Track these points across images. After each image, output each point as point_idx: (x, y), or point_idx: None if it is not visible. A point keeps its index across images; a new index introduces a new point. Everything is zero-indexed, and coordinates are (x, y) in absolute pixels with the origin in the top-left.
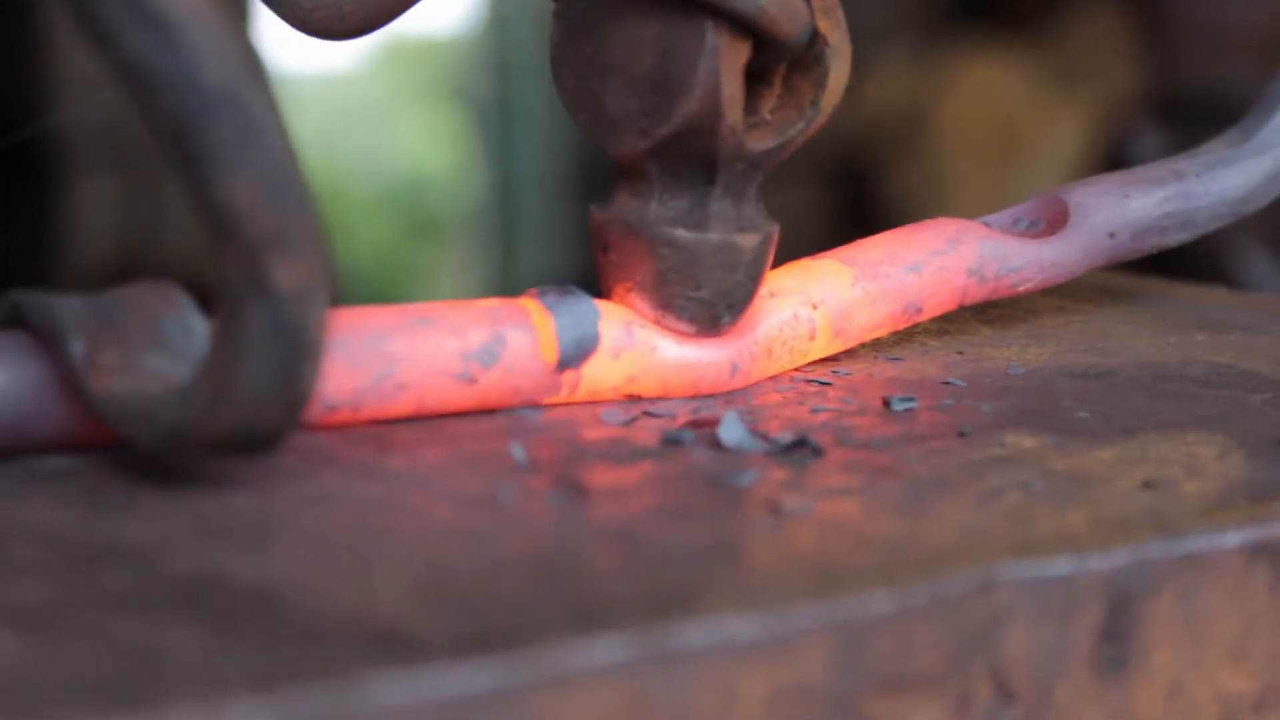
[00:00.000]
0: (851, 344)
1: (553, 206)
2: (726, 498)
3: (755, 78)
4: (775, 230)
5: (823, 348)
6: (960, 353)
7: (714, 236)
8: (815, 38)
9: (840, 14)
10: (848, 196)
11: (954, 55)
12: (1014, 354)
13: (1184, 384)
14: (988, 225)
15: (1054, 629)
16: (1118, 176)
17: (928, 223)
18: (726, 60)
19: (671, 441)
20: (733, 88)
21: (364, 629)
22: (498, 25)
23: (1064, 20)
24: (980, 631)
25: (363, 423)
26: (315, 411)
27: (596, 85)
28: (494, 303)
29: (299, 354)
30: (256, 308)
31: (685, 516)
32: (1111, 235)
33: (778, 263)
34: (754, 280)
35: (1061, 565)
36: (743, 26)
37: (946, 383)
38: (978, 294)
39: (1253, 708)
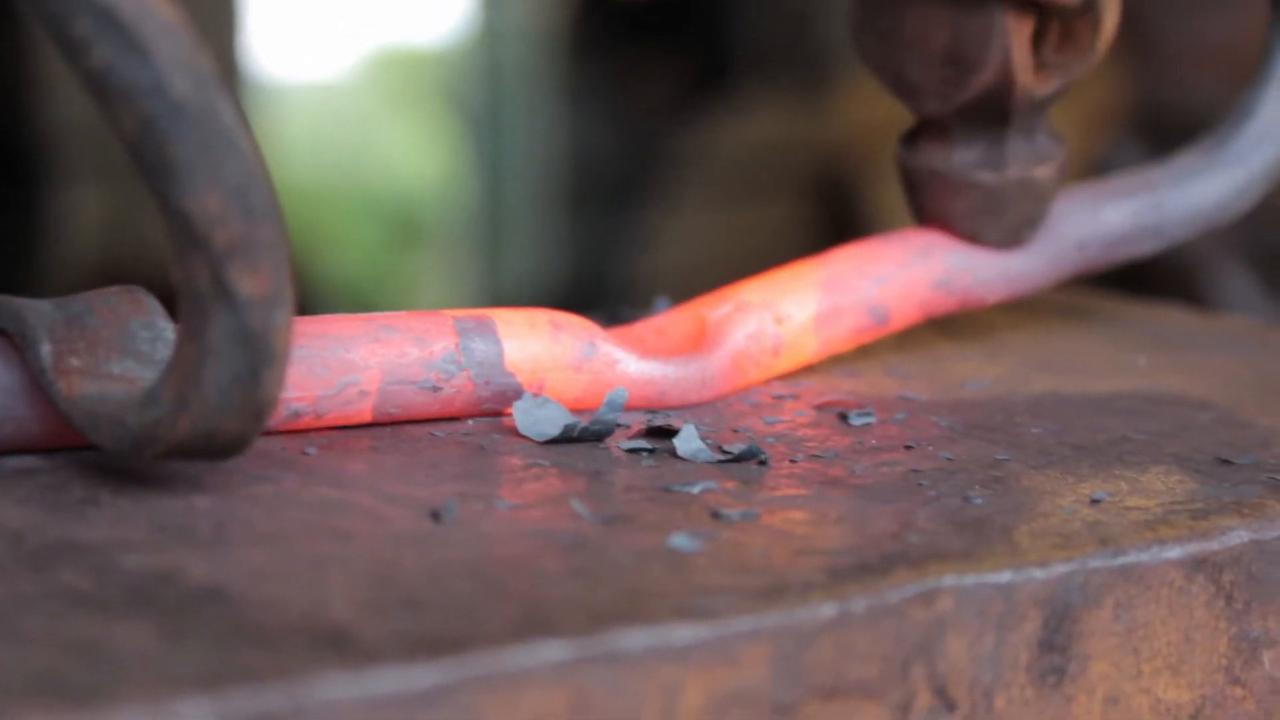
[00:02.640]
0: (818, 358)
1: (541, 216)
2: (676, 506)
3: (1036, 28)
4: (1064, 150)
5: (788, 362)
6: (918, 368)
7: (1013, 174)
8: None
9: None
10: (829, 210)
11: None
12: (971, 370)
13: (1136, 401)
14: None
15: (994, 638)
16: (1088, 188)
17: (896, 234)
18: (1016, 36)
19: (628, 451)
20: (1023, 57)
21: (312, 629)
22: (488, 36)
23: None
24: (921, 640)
25: (326, 428)
26: (279, 417)
27: (896, 56)
28: (460, 313)
29: (263, 361)
30: (221, 314)
31: (633, 524)
32: (1080, 246)
33: (760, 268)
34: (1050, 199)
35: (1001, 576)
36: (1028, 3)
37: (902, 397)
38: (945, 306)
39: (1190, 718)
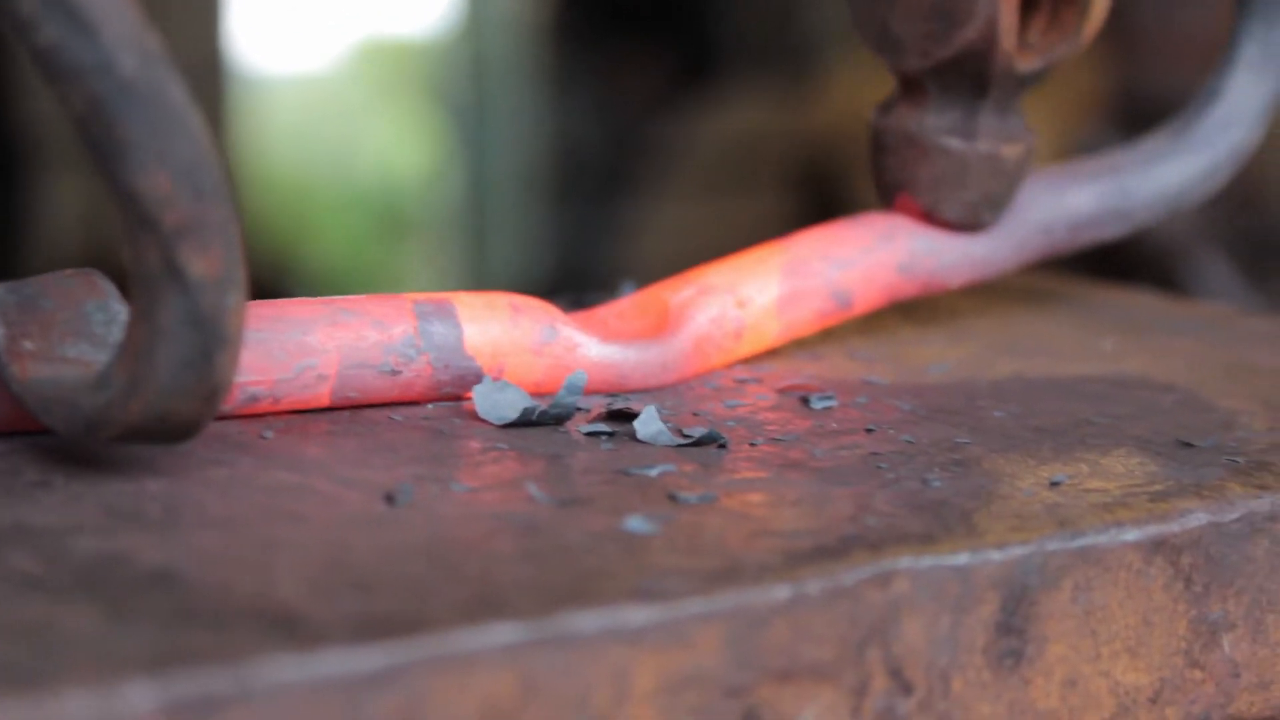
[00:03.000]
0: (780, 341)
1: (525, 207)
2: (633, 489)
3: (1025, 4)
4: (1034, 140)
5: (750, 346)
6: (882, 351)
7: (983, 146)
8: None
9: None
10: (812, 201)
11: None
12: (935, 353)
13: (1099, 385)
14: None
15: (951, 621)
16: (1053, 171)
17: (859, 218)
18: None
19: (588, 434)
20: (1010, 18)
21: (261, 612)
22: (473, 28)
23: None
24: (876, 622)
25: (285, 412)
26: (236, 400)
27: (883, 9)
28: (419, 296)
29: (215, 343)
30: (172, 296)
31: (588, 506)
32: (1046, 230)
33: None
34: (1015, 185)
35: (958, 558)
36: None
37: (865, 380)
38: (909, 290)
39: (1149, 701)
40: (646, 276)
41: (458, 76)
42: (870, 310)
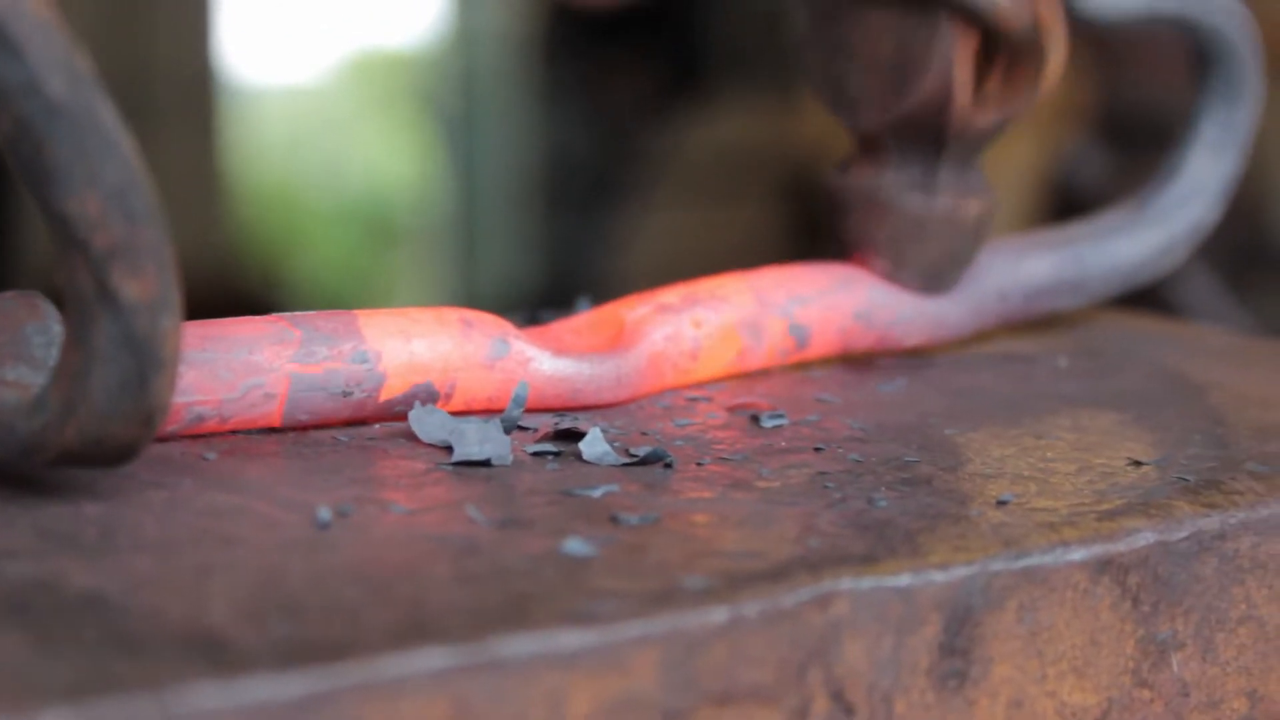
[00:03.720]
0: (735, 369)
1: (515, 218)
2: (575, 510)
3: (980, 58)
4: (995, 197)
5: (706, 368)
6: (834, 369)
7: (942, 202)
8: (1036, 25)
9: (1060, 7)
10: (800, 211)
11: None
12: (889, 371)
13: (1052, 401)
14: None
15: (893, 642)
16: (1012, 240)
17: (824, 263)
18: (960, 49)
19: (534, 454)
20: (964, 73)
21: (188, 637)
22: (463, 40)
23: None
24: (817, 643)
25: (231, 432)
26: (182, 421)
27: (840, 67)
28: (369, 312)
29: (149, 365)
30: (105, 319)
31: (528, 528)
32: (1001, 297)
33: (728, 269)
34: (977, 241)
35: (900, 579)
36: (974, 18)
37: (817, 399)
38: (864, 340)
39: None
40: (636, 285)
41: (448, 87)
42: (825, 354)
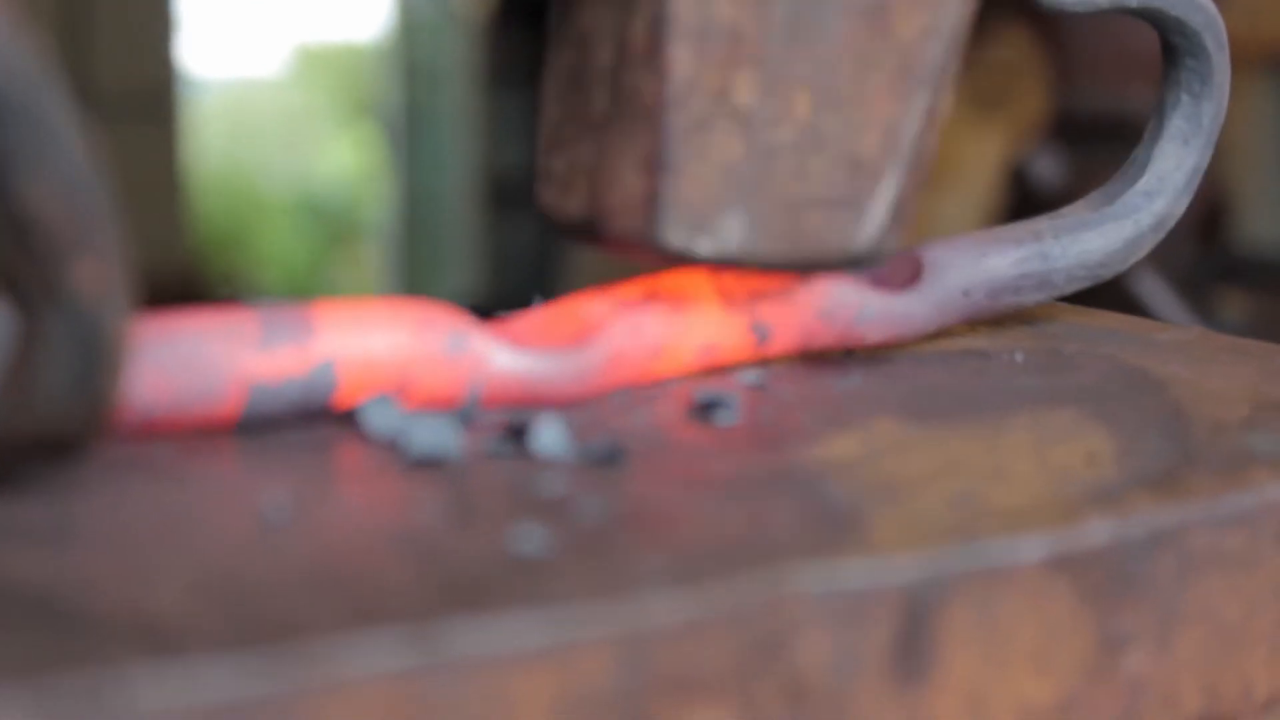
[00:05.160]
0: (698, 367)
1: (465, 213)
2: (526, 505)
3: None
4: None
5: (666, 365)
6: (789, 364)
7: None
8: None
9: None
10: None
11: None
12: (845, 367)
13: (1010, 397)
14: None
15: (848, 637)
16: (976, 236)
17: None
18: None
19: (487, 450)
20: None
21: (139, 629)
22: (413, 36)
23: (981, 44)
24: (772, 638)
25: (184, 429)
26: (134, 417)
27: None
28: (324, 304)
29: (98, 360)
30: (54, 313)
31: (479, 523)
32: (965, 293)
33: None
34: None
35: (857, 575)
36: None
37: (773, 394)
38: (826, 336)
39: (1053, 716)
40: (587, 282)
41: (398, 84)
42: (788, 351)
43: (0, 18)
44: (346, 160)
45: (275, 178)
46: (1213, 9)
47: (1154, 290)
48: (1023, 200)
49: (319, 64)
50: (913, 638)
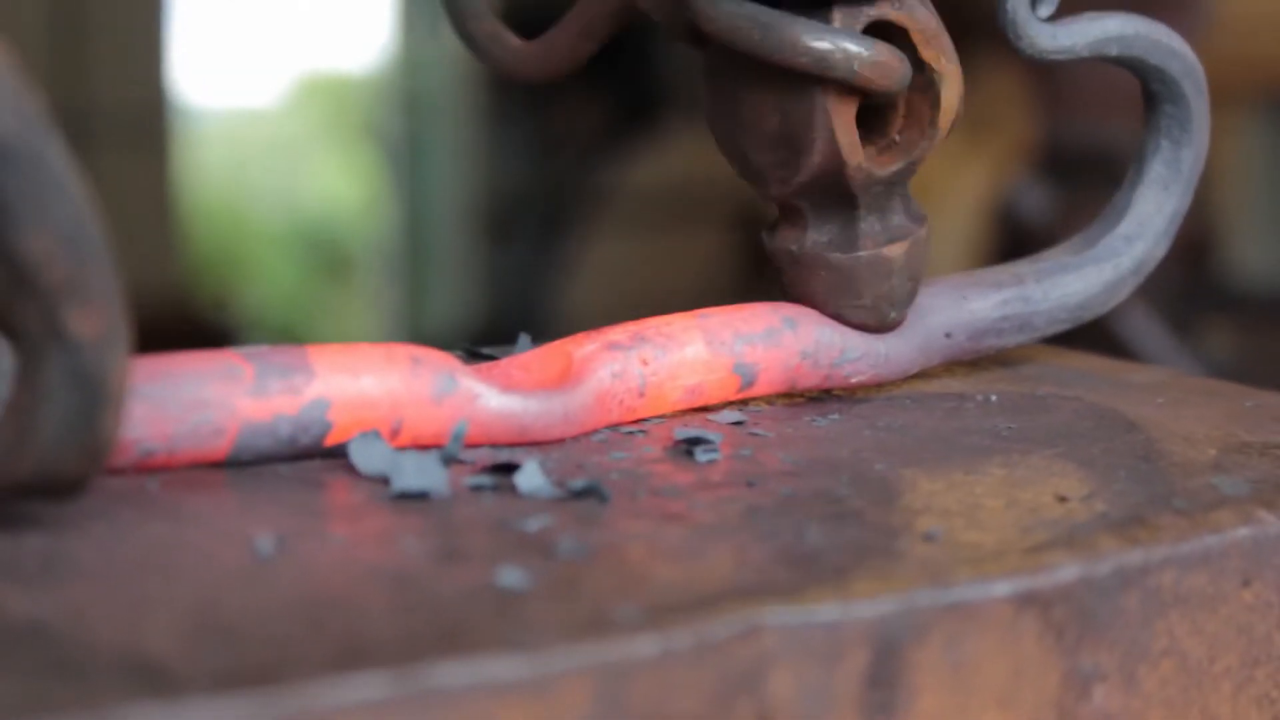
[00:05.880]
0: (683, 405)
1: (461, 244)
2: (510, 542)
3: (880, 108)
4: (924, 228)
5: (652, 405)
6: (768, 404)
7: (865, 254)
8: (924, 67)
9: (945, 40)
10: (747, 243)
11: None
12: (823, 407)
13: (983, 437)
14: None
15: (820, 674)
16: (957, 278)
17: (772, 303)
18: (839, 117)
19: (471, 487)
20: (848, 137)
21: (126, 665)
22: (410, 65)
23: (969, 73)
24: (746, 675)
25: (180, 466)
26: (131, 455)
27: (740, 140)
28: (317, 348)
29: (98, 401)
30: (54, 356)
31: (462, 560)
32: (947, 335)
33: (685, 300)
34: (913, 279)
35: (828, 611)
36: (846, 88)
37: (751, 433)
38: (810, 378)
39: None
40: (585, 315)
41: (395, 114)
42: (772, 392)
43: (6, 66)
44: (342, 189)
45: (271, 207)
46: (1192, 56)
47: (1141, 328)
48: (1009, 235)
49: (316, 94)
50: (883, 674)
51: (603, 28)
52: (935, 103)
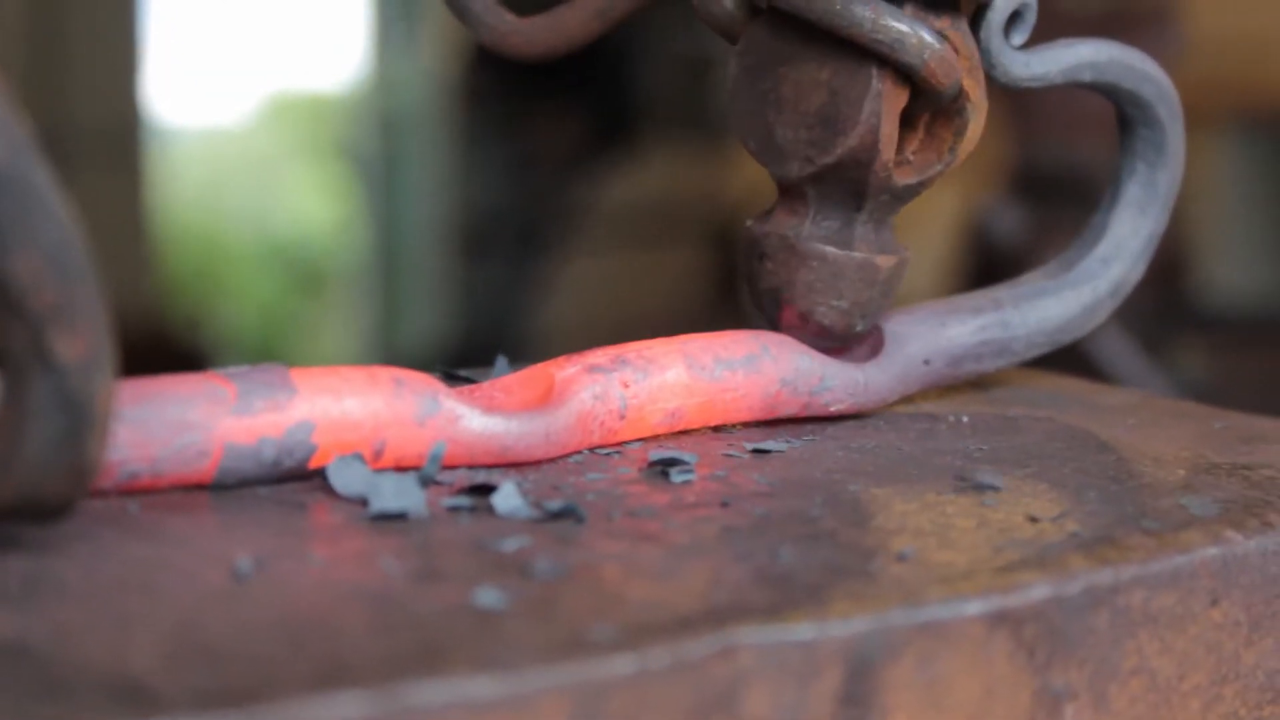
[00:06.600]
0: (663, 429)
1: (436, 262)
2: (487, 562)
3: (903, 122)
4: (908, 255)
5: (633, 429)
6: (742, 426)
7: (858, 255)
8: (960, 92)
9: (982, 74)
10: (724, 261)
11: None
12: (796, 429)
13: (955, 458)
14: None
15: (795, 692)
16: (935, 305)
17: (751, 330)
18: (888, 104)
19: (449, 508)
20: (890, 128)
21: (110, 684)
22: (384, 83)
23: None
24: (721, 693)
25: (165, 488)
26: (116, 477)
27: (769, 117)
28: (299, 371)
29: (83, 424)
30: (40, 379)
31: (440, 580)
32: (926, 362)
33: (661, 319)
34: (886, 296)
35: (803, 631)
36: (904, 75)
37: (725, 454)
38: (790, 405)
39: None
40: (561, 332)
41: (369, 132)
42: (752, 418)
43: None
44: (316, 208)
45: (245, 225)
46: (1165, 80)
47: (1114, 349)
48: (982, 256)
49: (290, 112)
50: (857, 692)
51: (623, 7)
52: (960, 131)
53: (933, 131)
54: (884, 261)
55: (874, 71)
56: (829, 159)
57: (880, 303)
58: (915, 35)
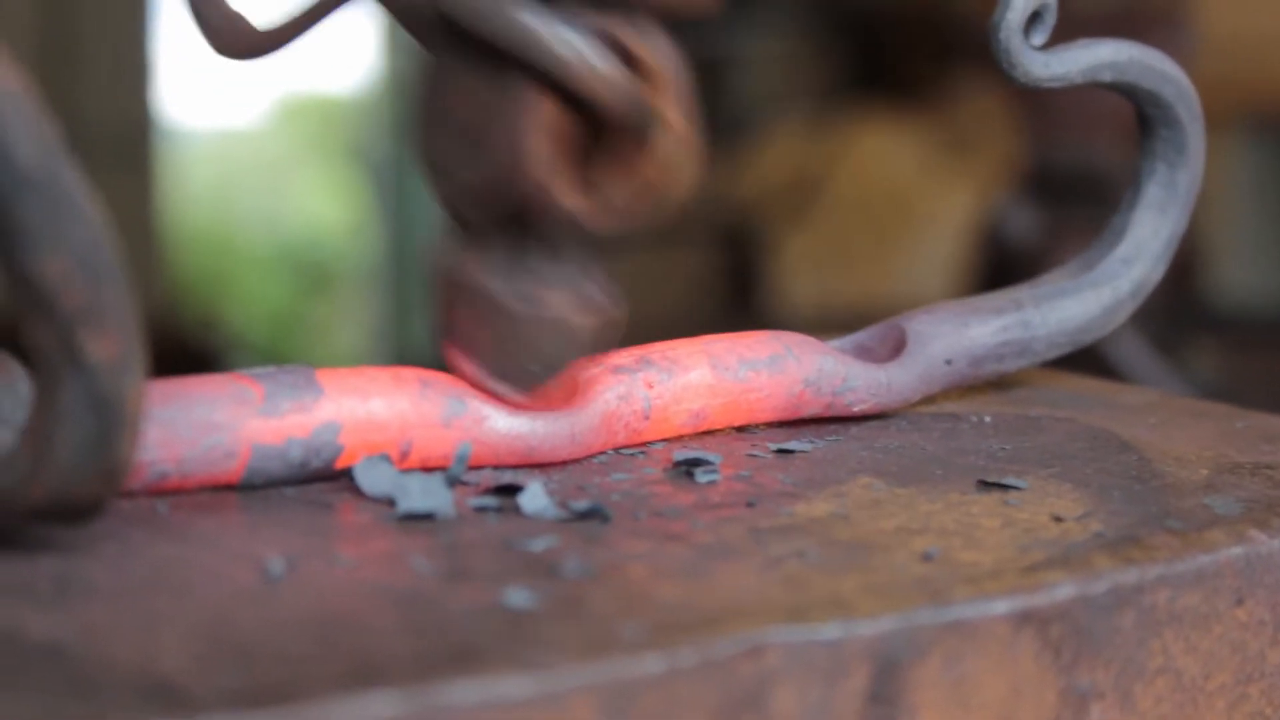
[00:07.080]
0: (687, 430)
1: None
2: (516, 562)
3: (589, 146)
4: (610, 312)
5: (658, 429)
6: (766, 425)
7: (522, 291)
8: (644, 113)
9: (684, 93)
10: (738, 259)
11: (846, 125)
12: (820, 429)
13: (978, 458)
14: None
15: (822, 691)
16: (956, 305)
17: (773, 331)
18: (532, 116)
19: (476, 508)
20: (538, 144)
21: (142, 683)
22: (395, 86)
23: (953, 94)
24: (749, 692)
25: (193, 489)
26: (145, 478)
27: (434, 138)
28: (326, 371)
29: (114, 424)
30: (71, 379)
31: (469, 580)
32: (948, 362)
33: (672, 319)
34: (572, 348)
35: (830, 630)
36: (552, 86)
37: (749, 455)
38: (813, 405)
39: None
40: None
41: (380, 134)
42: (777, 418)
43: (19, 95)
44: (327, 209)
45: (256, 227)
46: (1185, 81)
47: (1132, 351)
48: (996, 256)
49: (301, 114)
50: (884, 691)
51: (323, 12)
52: (641, 146)
53: (618, 152)
54: (556, 303)
55: (514, 77)
56: (476, 178)
57: (560, 354)
58: (573, 48)
